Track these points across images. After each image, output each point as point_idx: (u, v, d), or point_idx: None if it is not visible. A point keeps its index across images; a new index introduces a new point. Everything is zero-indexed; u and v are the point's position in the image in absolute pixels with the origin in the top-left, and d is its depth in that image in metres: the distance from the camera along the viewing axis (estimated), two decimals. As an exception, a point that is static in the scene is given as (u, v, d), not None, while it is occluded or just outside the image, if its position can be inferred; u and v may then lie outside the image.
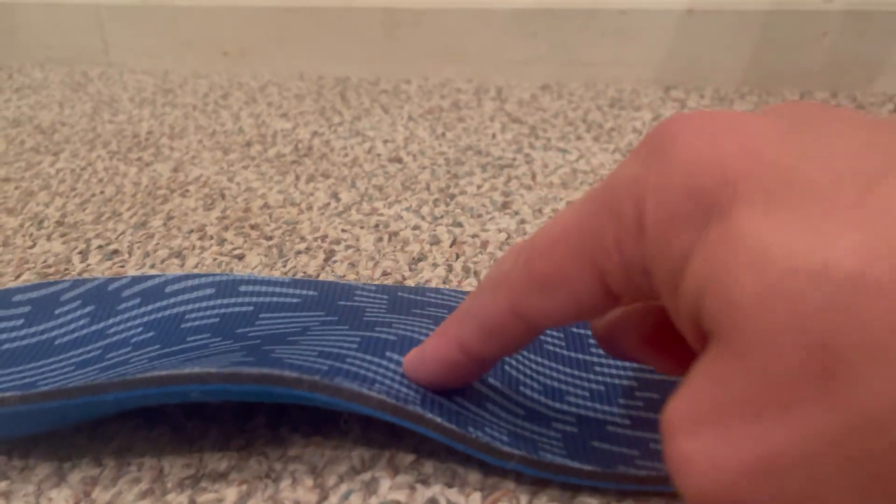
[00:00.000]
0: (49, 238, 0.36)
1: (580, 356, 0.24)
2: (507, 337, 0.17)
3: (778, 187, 0.11)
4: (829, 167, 0.11)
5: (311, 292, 0.25)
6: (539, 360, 0.23)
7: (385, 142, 0.47)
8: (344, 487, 0.20)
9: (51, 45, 0.69)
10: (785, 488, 0.10)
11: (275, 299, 0.25)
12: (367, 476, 0.21)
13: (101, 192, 0.41)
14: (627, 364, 0.23)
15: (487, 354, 0.18)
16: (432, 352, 0.19)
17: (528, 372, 0.22)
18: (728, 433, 0.11)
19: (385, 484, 0.20)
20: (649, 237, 0.13)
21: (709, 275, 0.11)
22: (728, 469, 0.11)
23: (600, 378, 0.23)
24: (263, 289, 0.25)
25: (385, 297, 0.25)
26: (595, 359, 0.23)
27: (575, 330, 0.25)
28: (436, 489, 0.20)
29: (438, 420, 0.19)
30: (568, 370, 0.23)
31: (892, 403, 0.09)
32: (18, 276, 0.32)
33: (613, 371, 0.23)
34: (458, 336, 0.18)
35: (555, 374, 0.23)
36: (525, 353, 0.23)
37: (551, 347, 0.24)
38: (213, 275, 0.26)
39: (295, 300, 0.25)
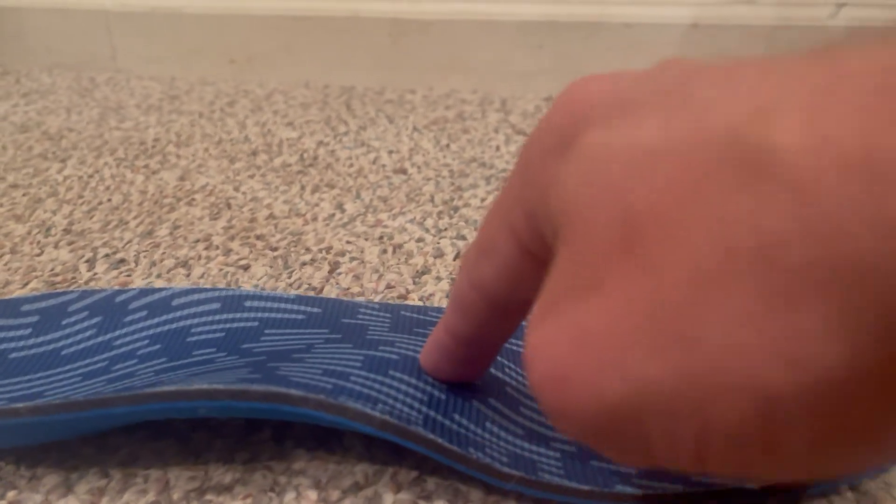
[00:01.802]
0: (56, 246, 0.36)
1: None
2: (473, 312, 0.18)
3: (615, 109, 0.12)
4: (660, 89, 0.11)
5: (315, 309, 0.25)
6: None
7: (390, 152, 0.47)
8: (347, 502, 0.21)
9: (59, 51, 0.70)
10: (601, 357, 0.10)
11: (279, 315, 0.25)
12: (370, 492, 0.21)
13: (109, 200, 0.41)
14: None
15: (466, 334, 0.19)
16: (431, 339, 0.21)
17: (528, 392, 0.23)
18: (560, 316, 0.11)
19: (388, 500, 0.21)
20: (533, 180, 0.14)
21: (555, 184, 0.12)
22: (557, 347, 0.11)
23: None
24: (268, 304, 0.25)
25: (388, 315, 0.25)
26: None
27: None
28: (437, 506, 0.20)
29: (440, 441, 0.19)
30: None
31: (674, 272, 0.09)
32: (26, 285, 0.33)
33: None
34: (444, 320, 0.19)
35: (556, 393, 0.23)
36: (525, 373, 0.23)
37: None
38: (219, 289, 0.26)
39: (299, 317, 0.25)
